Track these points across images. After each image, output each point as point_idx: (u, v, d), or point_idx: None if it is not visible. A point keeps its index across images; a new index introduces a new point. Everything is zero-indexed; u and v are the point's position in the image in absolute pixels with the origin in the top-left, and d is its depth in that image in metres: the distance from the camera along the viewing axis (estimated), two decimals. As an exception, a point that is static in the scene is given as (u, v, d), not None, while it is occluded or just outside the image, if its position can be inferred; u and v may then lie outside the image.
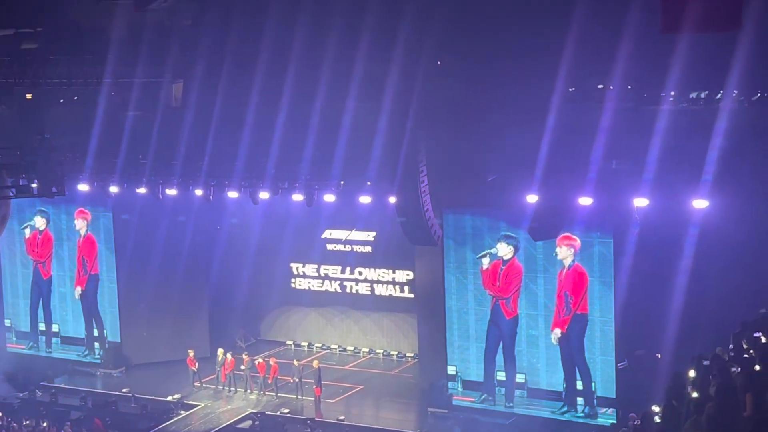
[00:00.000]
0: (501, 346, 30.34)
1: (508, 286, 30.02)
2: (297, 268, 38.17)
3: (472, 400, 30.76)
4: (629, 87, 27.53)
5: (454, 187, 29.86)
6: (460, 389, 31.02)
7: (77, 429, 31.25)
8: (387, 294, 36.77)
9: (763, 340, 15.41)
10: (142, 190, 33.69)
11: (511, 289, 29.98)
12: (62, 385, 35.82)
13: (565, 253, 28.90)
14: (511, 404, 30.26)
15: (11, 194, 29.33)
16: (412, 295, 35.51)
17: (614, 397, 28.73)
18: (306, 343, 38.68)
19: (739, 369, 13.98)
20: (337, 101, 29.77)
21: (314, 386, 32.63)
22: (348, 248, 37.03)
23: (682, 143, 25.35)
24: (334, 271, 37.59)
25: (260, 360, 34.27)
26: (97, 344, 37.09)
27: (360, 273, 37.13)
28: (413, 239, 30.51)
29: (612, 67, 25.59)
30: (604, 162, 26.65)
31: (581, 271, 28.78)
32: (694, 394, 14.05)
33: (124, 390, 34.43)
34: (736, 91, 25.50)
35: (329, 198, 31.66)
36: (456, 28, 27.60)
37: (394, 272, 36.46)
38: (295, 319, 38.98)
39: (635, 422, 23.61)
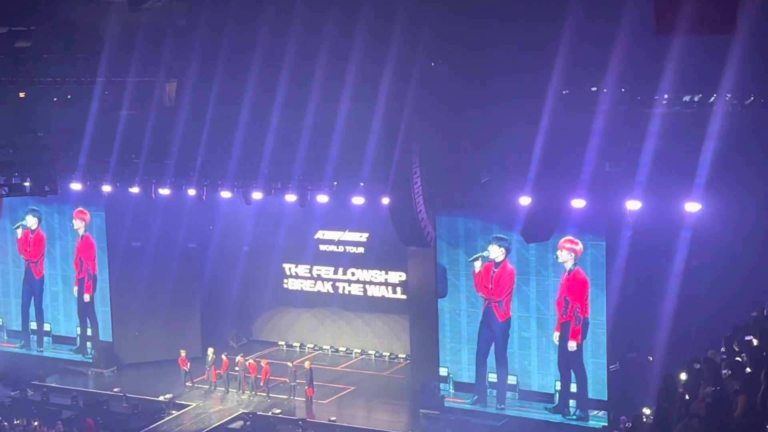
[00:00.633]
0: (493, 348, 30.36)
1: (500, 288, 30.02)
2: (289, 269, 38.13)
3: (464, 401, 30.79)
4: (623, 90, 27.56)
5: (447, 189, 29.87)
6: (451, 391, 31.03)
7: (69, 428, 31.21)
8: (379, 295, 36.76)
9: (755, 343, 15.41)
10: (134, 190, 33.64)
11: (503, 292, 29.99)
12: (54, 384, 35.73)
13: (565, 257, 28.86)
14: (503, 406, 30.27)
15: (3, 193, 29.35)
16: (404, 297, 35.50)
17: (606, 399, 28.75)
18: (298, 344, 38.65)
19: (731, 372, 13.99)
20: (330, 102, 29.77)
21: (306, 387, 32.61)
22: (341, 249, 37.02)
23: (676, 146, 25.38)
24: (326, 271, 37.56)
25: (251, 361, 34.25)
26: (89, 344, 37.03)
27: (353, 274, 37.11)
28: (406, 240, 30.51)
29: (606, 69, 25.62)
30: (597, 164, 26.68)
31: (582, 276, 28.72)
32: (686, 397, 14.06)
33: (115, 389, 34.37)
34: (729, 95, 25.53)
35: (322, 199, 31.65)
36: (450, 30, 27.63)
37: (386, 273, 36.44)
38: (288, 319, 38.95)
39: (626, 425, 23.68)
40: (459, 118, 28.61)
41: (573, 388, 29.23)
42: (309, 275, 37.92)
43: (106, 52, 31.54)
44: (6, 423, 31.24)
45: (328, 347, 38.20)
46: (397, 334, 36.56)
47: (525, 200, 27.68)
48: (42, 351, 37.93)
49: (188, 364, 34.58)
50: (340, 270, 37.25)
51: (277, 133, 30.83)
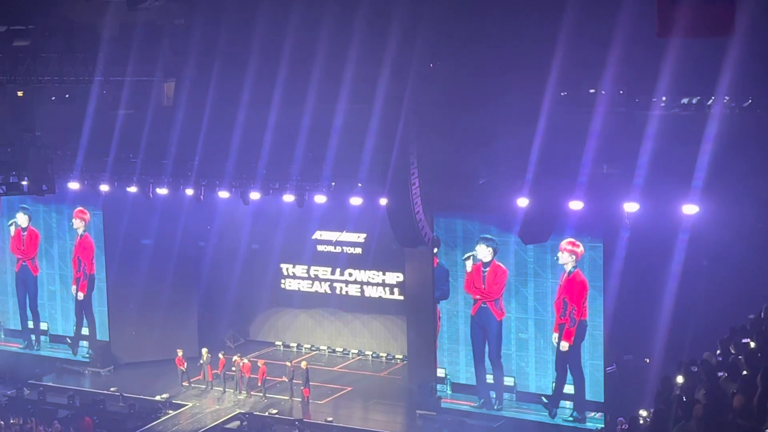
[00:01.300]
0: (487, 348, 30.35)
1: (495, 287, 30.02)
2: (287, 269, 38.12)
3: (462, 402, 30.77)
4: (621, 92, 27.59)
5: (444, 190, 29.86)
6: (449, 392, 31.02)
7: (66, 427, 31.18)
8: (377, 296, 36.73)
9: (752, 345, 15.41)
10: (132, 189, 33.62)
11: (499, 291, 29.99)
12: (50, 384, 35.70)
13: (566, 259, 28.85)
14: (500, 407, 30.27)
15: (1, 192, 29.32)
16: (401, 298, 35.48)
17: (602, 401, 28.75)
18: (295, 344, 38.63)
19: (727, 374, 13.99)
20: (328, 102, 29.78)
21: (302, 387, 32.60)
22: (338, 249, 36.99)
23: (673, 148, 25.39)
24: (324, 272, 37.54)
25: (246, 361, 34.22)
26: (86, 343, 37.01)
27: (350, 274, 37.08)
28: (403, 241, 30.50)
29: (604, 71, 25.64)
30: (594, 166, 26.68)
31: (581, 279, 28.70)
32: (683, 399, 14.05)
33: (112, 389, 34.34)
34: (727, 97, 25.56)
35: (320, 199, 31.63)
36: (447, 32, 27.64)
37: (384, 274, 36.42)
38: (285, 319, 38.93)
39: (623, 426, 23.69)
40: (457, 120, 28.62)
41: (570, 389, 29.24)
42: (306, 276, 37.89)
43: (104, 51, 31.56)
44: (2, 422, 31.21)
45: (325, 348, 38.18)
46: (394, 334, 36.55)
47: (523, 202, 27.68)
48: (38, 350, 37.91)
49: (185, 364, 34.55)
50: (338, 270, 37.22)
51: (274, 134, 30.84)
